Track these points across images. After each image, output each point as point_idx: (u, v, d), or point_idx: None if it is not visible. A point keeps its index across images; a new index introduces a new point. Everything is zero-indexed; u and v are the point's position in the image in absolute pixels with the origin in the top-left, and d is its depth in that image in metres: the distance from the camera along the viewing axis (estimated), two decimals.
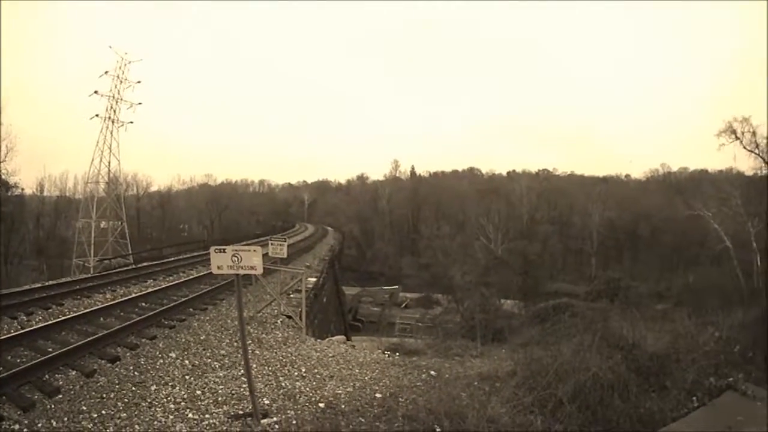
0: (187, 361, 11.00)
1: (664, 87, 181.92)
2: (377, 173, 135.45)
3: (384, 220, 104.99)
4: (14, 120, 66.92)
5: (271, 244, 16.79)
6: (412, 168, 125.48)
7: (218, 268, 7.49)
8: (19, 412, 7.74)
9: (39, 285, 20.12)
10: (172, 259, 32.36)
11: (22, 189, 59.58)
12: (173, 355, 11.35)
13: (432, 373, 10.71)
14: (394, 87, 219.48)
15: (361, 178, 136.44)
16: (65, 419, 7.65)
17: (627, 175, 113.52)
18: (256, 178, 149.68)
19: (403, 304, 57.48)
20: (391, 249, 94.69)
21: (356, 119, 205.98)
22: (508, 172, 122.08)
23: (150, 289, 18.77)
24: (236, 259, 7.39)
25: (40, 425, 7.41)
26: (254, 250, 7.64)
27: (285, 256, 17.08)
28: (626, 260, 78.91)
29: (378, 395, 9.19)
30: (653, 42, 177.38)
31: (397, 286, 66.68)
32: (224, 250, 7.50)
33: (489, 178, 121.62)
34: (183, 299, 16.66)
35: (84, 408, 8.01)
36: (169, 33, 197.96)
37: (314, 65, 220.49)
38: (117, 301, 16.28)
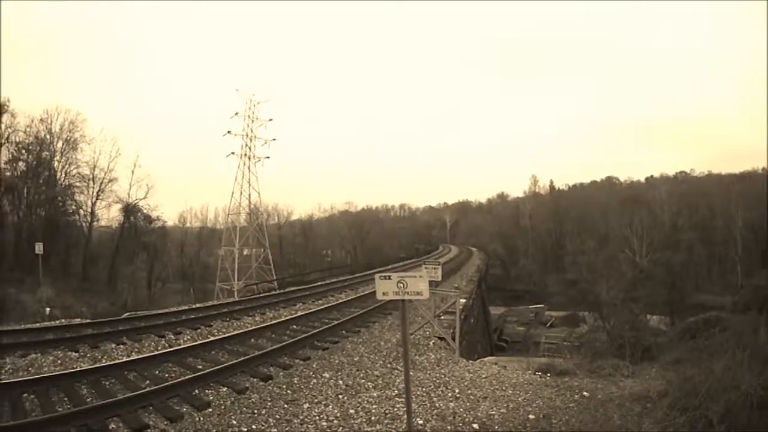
0: (340, 381, 11.29)
1: None
2: (517, 190, 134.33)
3: (527, 237, 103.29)
4: (155, 161, 73.52)
5: (426, 267, 16.94)
6: (551, 182, 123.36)
7: (384, 294, 7.57)
8: (165, 423, 8.28)
9: (186, 307, 21.47)
10: (319, 283, 33.13)
11: (164, 221, 64.21)
12: (327, 375, 11.69)
13: (585, 393, 10.53)
14: (526, 100, 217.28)
15: (502, 196, 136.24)
16: (213, 431, 8.18)
17: (764, 168, 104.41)
18: (397, 202, 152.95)
19: (548, 323, 56.13)
20: (535, 266, 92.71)
21: (493, 137, 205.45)
22: (647, 178, 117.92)
23: (300, 313, 19.37)
24: (402, 285, 7.44)
25: None
26: (420, 276, 7.67)
27: (439, 278, 17.25)
28: None
29: (531, 416, 9.11)
30: None
31: (542, 305, 65.29)
32: (390, 276, 7.55)
33: (628, 186, 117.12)
34: (335, 322, 17.09)
35: (234, 422, 8.51)
36: (306, 67, 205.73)
37: (447, 82, 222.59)
38: (267, 323, 16.94)
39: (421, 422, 8.74)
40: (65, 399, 9.21)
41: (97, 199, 53.88)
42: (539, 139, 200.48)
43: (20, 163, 49.19)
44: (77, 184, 53.00)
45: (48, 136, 50.93)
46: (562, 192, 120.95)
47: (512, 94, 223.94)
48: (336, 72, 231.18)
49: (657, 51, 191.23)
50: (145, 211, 57.75)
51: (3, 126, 46.98)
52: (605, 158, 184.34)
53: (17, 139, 48.66)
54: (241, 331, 15.53)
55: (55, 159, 51.90)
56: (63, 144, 52.02)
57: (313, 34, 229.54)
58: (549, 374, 12.72)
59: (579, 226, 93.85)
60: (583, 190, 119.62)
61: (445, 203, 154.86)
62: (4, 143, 47.37)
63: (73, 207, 53.17)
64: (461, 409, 9.49)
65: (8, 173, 47.72)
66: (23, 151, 49.28)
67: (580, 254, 74.81)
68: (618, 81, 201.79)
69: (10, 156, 48.32)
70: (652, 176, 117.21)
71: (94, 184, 53.55)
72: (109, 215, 56.93)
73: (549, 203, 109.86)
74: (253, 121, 62.28)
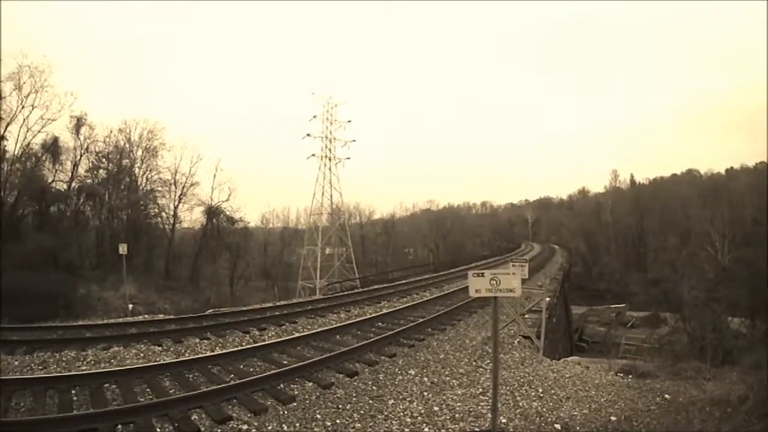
0: (425, 379, 11.33)
1: None
2: (598, 185, 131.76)
3: (608, 234, 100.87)
4: (237, 165, 76.46)
5: (513, 265, 17.13)
6: (631, 176, 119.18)
7: (476, 291, 7.59)
8: (249, 415, 8.46)
9: (270, 304, 21.79)
10: (403, 281, 33.09)
11: (247, 222, 65.97)
12: (412, 372, 11.75)
13: (666, 396, 10.49)
14: (604, 92, 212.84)
15: (583, 192, 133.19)
16: (297, 424, 8.29)
17: None
18: (478, 200, 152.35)
19: (629, 324, 54.66)
20: (616, 264, 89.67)
21: (572, 131, 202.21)
22: (727, 170, 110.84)
23: (385, 310, 19.41)
24: (495, 282, 7.47)
25: (270, 428, 8.10)
26: (513, 273, 7.74)
27: (526, 276, 17.45)
28: None
29: (613, 418, 9.20)
30: None
31: (623, 305, 63.73)
32: (482, 274, 7.58)
33: (708, 179, 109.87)
34: (420, 320, 17.07)
35: (318, 416, 8.67)
36: (384, 67, 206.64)
37: (525, 78, 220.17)
38: (352, 320, 17.15)
39: (504, 421, 8.86)
40: (147, 390, 9.62)
41: (179, 202, 56.36)
42: (619, 131, 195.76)
43: (101, 171, 51.74)
44: (159, 188, 55.48)
45: (127, 145, 53.37)
46: (642, 186, 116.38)
47: (589, 89, 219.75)
48: (415, 70, 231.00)
49: (735, 31, 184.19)
50: (227, 213, 59.69)
51: (82, 137, 49.59)
52: (685, 149, 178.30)
53: (97, 149, 51.28)
54: (326, 328, 15.73)
55: (136, 166, 54.34)
56: (143, 152, 54.49)
57: (389, 33, 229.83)
58: (631, 376, 12.76)
59: (661, 221, 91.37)
60: (664, 184, 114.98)
61: (526, 200, 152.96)
62: (84, 153, 50.00)
63: (155, 210, 55.64)
64: (544, 409, 9.63)
65: (89, 180, 50.32)
66: (103, 159, 51.80)
67: (662, 251, 73.02)
68: (697, 65, 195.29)
69: (91, 164, 51.01)
70: (732, 167, 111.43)
71: (176, 188, 56.05)
72: (192, 217, 59.54)
73: (630, 198, 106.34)
74: (331, 123, 64.14)
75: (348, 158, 65.71)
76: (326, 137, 63.93)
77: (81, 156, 49.65)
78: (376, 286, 30.90)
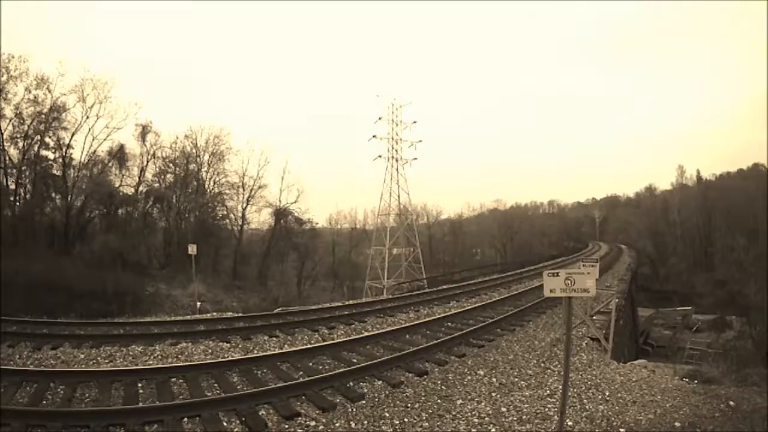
0: (494, 379, 11.48)
1: None
2: (664, 181, 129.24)
3: (675, 233, 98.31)
4: (305, 167, 77.38)
5: (583, 265, 16.84)
6: (698, 172, 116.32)
7: (551, 291, 7.60)
8: (317, 412, 8.73)
9: (338, 304, 22.15)
10: (472, 282, 33.24)
11: (315, 224, 66.73)
12: (481, 372, 11.92)
13: (731, 403, 10.43)
14: (669, 86, 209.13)
15: (650, 189, 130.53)
16: (365, 422, 8.51)
17: None
18: (545, 199, 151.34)
19: (694, 327, 53.94)
20: (683, 265, 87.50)
21: (639, 127, 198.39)
22: None
23: (454, 311, 19.58)
24: (569, 282, 7.46)
25: (338, 425, 8.31)
26: (588, 273, 7.71)
27: (597, 277, 17.58)
28: None
29: (677, 424, 9.18)
30: None
31: (689, 307, 62.51)
32: (557, 273, 7.59)
33: None
34: (489, 320, 17.31)
35: (386, 414, 8.91)
36: (448, 66, 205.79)
37: (590, 74, 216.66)
38: (422, 320, 17.41)
39: (570, 423, 8.93)
40: (215, 385, 10.02)
41: (247, 204, 57.69)
42: (684, 125, 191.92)
43: (168, 175, 53.33)
44: (226, 191, 56.79)
45: (194, 150, 54.78)
46: (709, 183, 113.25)
47: (654, 84, 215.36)
48: (478, 70, 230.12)
49: None
50: (296, 214, 60.81)
51: (148, 144, 51.15)
52: (751, 141, 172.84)
53: (163, 155, 52.86)
54: (396, 327, 16.04)
55: (203, 170, 55.80)
56: (210, 156, 55.80)
57: (454, 33, 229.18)
58: (696, 381, 12.74)
59: (728, 219, 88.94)
60: (730, 180, 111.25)
61: (593, 198, 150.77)
62: (151, 158, 51.71)
63: (223, 212, 57.04)
64: (610, 413, 9.67)
65: (156, 185, 52.07)
66: (170, 164, 53.34)
67: (730, 251, 71.35)
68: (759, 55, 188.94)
69: (158, 169, 52.67)
70: None
71: (243, 190, 57.38)
72: (260, 218, 61.04)
73: (697, 196, 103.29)
74: (397, 124, 64.51)
75: (415, 159, 66.11)
76: (392, 138, 64.56)
77: (147, 161, 51.44)
78: (443, 286, 31.16)
